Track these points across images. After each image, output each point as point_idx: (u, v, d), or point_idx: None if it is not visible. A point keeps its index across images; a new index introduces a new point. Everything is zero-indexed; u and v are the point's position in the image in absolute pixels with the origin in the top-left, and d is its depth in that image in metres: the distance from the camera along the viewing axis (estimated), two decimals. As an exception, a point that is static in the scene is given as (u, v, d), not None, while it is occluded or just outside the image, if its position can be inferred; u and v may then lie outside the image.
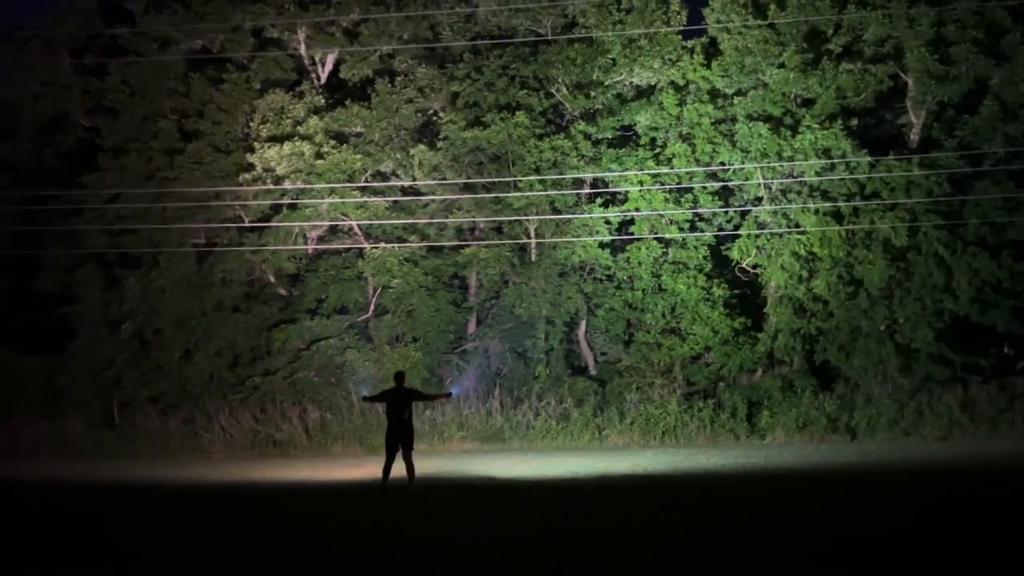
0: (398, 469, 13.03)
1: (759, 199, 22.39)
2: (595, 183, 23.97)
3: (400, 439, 12.88)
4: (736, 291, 22.99)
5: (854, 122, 22.16)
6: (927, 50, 21.77)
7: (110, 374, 24.57)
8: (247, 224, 24.88)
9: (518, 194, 23.30)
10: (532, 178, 23.14)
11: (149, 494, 14.21)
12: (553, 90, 24.41)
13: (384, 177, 25.33)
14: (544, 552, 7.96)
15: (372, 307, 24.98)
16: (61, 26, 27.45)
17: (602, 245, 23.40)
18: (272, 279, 25.21)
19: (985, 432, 19.46)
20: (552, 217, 23.40)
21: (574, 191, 23.83)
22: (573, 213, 23.51)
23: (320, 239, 25.43)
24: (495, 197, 23.58)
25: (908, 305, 21.23)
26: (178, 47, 26.26)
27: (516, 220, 23.55)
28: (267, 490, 14.01)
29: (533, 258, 24.06)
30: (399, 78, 25.14)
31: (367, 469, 15.91)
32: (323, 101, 25.38)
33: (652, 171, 22.96)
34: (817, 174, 21.70)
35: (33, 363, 25.08)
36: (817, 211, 21.62)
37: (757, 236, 22.27)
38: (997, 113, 21.77)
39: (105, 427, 23.86)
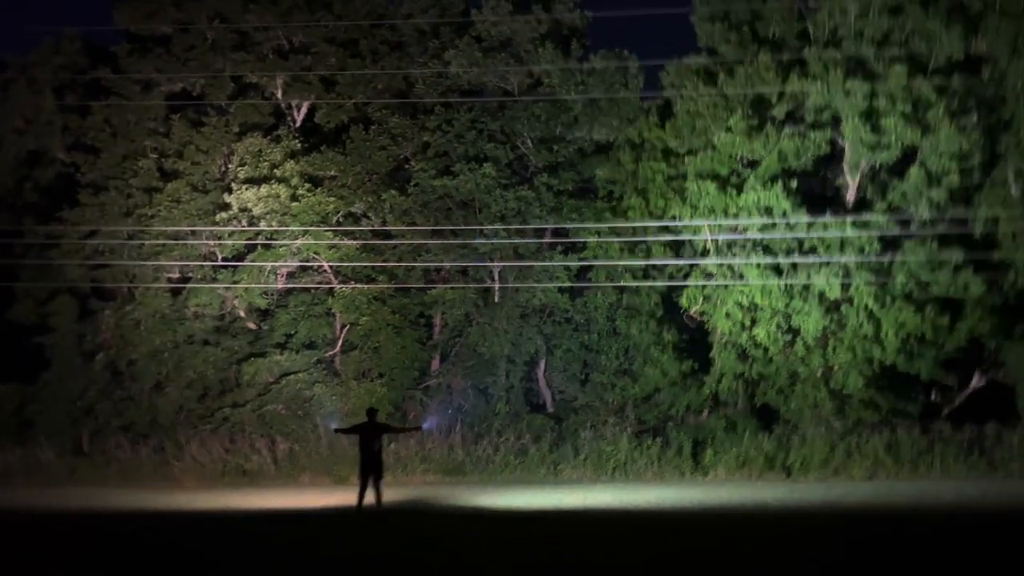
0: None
1: (706, 251, 24.09)
2: (556, 232, 25.52)
3: (372, 469, 14.02)
4: (684, 336, 24.55)
5: (794, 183, 23.99)
6: (860, 120, 23.76)
7: (83, 403, 25.29)
8: (220, 263, 25.89)
9: (484, 241, 24.73)
10: (497, 227, 24.60)
11: (130, 520, 15.05)
12: (519, 143, 26.01)
13: (355, 218, 26.58)
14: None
15: (340, 343, 26.07)
16: (45, 64, 28.45)
17: (561, 290, 24.86)
18: (242, 314, 26.19)
19: (907, 472, 21.12)
20: (515, 264, 24.85)
21: (536, 239, 25.34)
22: (535, 259, 24.99)
23: (291, 275, 26.48)
24: (462, 243, 24.97)
25: (841, 353, 22.92)
26: (159, 89, 27.38)
27: (482, 265, 24.95)
28: (256, 517, 14.91)
29: (496, 300, 25.42)
30: (373, 126, 26.52)
31: (337, 497, 16.97)
32: (299, 145, 26.63)
33: (609, 223, 24.57)
34: (759, 230, 23.45)
35: (5, 391, 25.68)
36: (759, 264, 23.33)
37: (704, 286, 23.90)
38: (923, 179, 23.74)
39: (77, 455, 24.53)
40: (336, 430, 17.31)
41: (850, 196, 24.91)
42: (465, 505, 15.87)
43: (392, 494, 16.18)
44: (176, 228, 25.37)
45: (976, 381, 24.75)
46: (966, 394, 24.75)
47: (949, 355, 23.48)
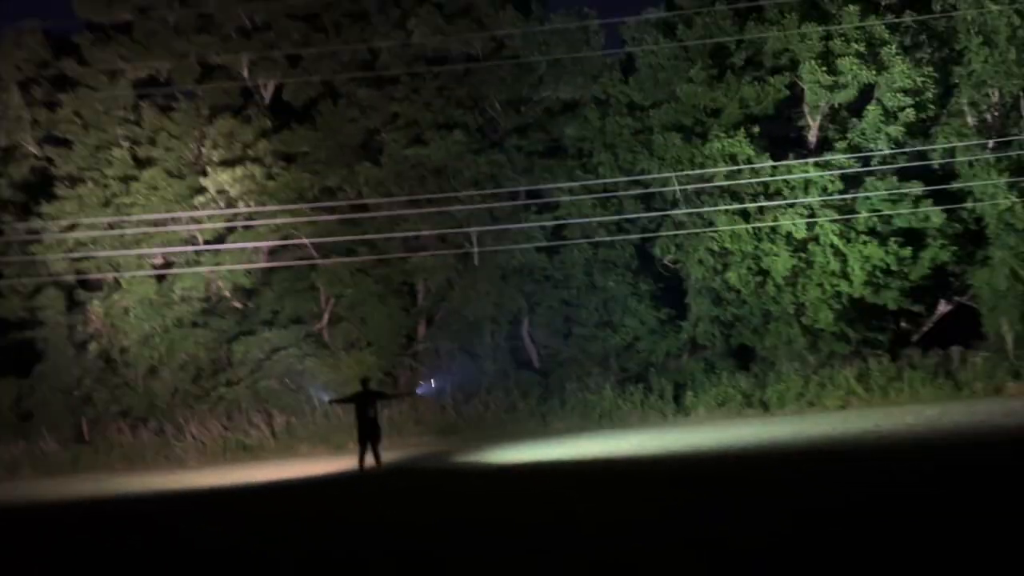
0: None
1: (676, 202, 24.78)
2: (529, 193, 26.10)
3: (369, 435, 14.77)
4: (660, 285, 25.34)
5: (756, 129, 24.63)
6: (817, 62, 24.36)
7: (79, 393, 25.82)
8: (202, 246, 26.30)
9: (459, 207, 25.28)
10: (472, 192, 25.15)
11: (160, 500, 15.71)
12: (487, 107, 26.43)
13: (331, 192, 26.97)
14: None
15: (326, 316, 26.68)
16: (7, 58, 28.40)
17: (539, 249, 25.53)
18: (227, 294, 26.68)
19: (878, 399, 22.16)
20: (491, 228, 25.45)
21: (510, 202, 25.92)
22: (511, 221, 25.60)
23: (272, 253, 26.93)
24: (438, 211, 25.51)
25: (810, 290, 23.80)
26: (126, 77, 27.43)
27: (459, 231, 25.54)
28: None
29: (476, 263, 26.06)
30: (341, 100, 26.82)
31: (339, 464, 17.76)
32: (270, 124, 26.91)
33: (580, 180, 25.17)
34: (726, 178, 24.15)
35: (2, 385, 26.13)
36: (727, 210, 24.07)
37: (676, 235, 24.64)
38: (880, 116, 24.45)
39: (78, 443, 25.14)
40: (331, 401, 18.01)
41: (812, 137, 25.61)
42: (460, 462, 16.71)
43: (389, 456, 16.99)
44: (155, 216, 25.69)
45: (943, 307, 25.75)
46: (934, 320, 25.77)
47: (915, 284, 24.40)
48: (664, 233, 24.86)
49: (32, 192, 27.79)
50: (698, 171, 24.18)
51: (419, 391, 22.57)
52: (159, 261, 26.73)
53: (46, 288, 26.79)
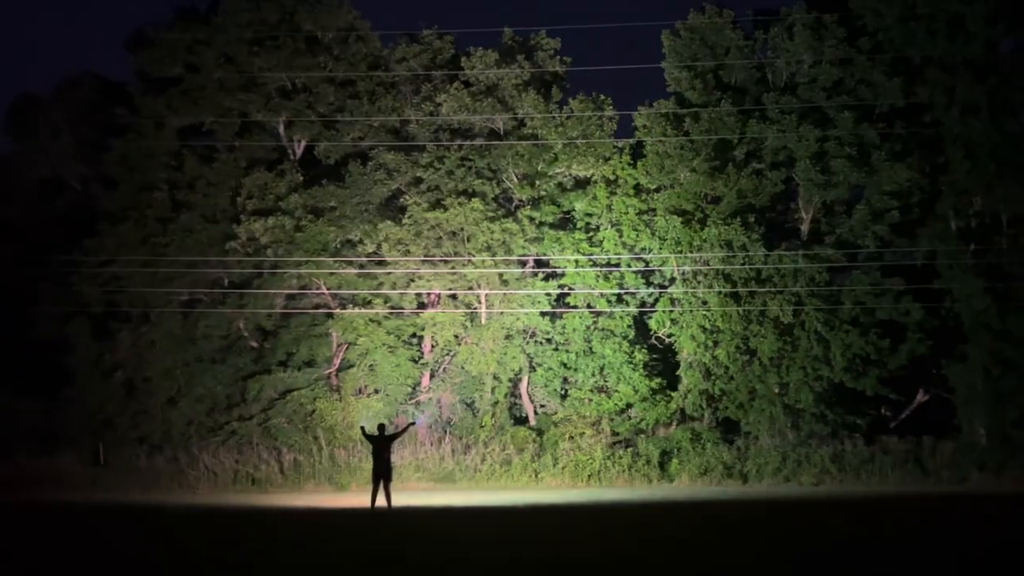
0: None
1: (673, 280, 26.57)
2: (538, 261, 27.92)
3: (382, 474, 16.44)
4: (654, 356, 26.98)
5: (752, 218, 26.50)
6: (812, 161, 26.36)
7: (101, 416, 27.34)
8: (227, 288, 28.01)
9: (472, 270, 27.08)
10: (484, 256, 26.99)
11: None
12: (504, 179, 28.40)
13: (352, 244, 28.72)
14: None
15: (337, 361, 28.23)
16: (63, 101, 30.61)
17: (542, 313, 27.25)
18: (246, 334, 28.27)
19: (850, 480, 23.58)
20: (500, 291, 27.21)
21: (519, 268, 27.72)
22: (518, 286, 27.36)
23: (291, 298, 28.57)
24: (452, 271, 27.27)
25: (793, 372, 25.41)
26: (171, 126, 29.41)
27: (470, 292, 27.29)
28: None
29: (483, 322, 27.73)
30: (370, 161, 28.76)
31: (342, 501, 19.19)
32: (301, 178, 28.83)
33: (586, 252, 27.02)
34: (721, 262, 25.98)
35: (30, 404, 27.68)
36: (720, 292, 25.84)
37: (671, 311, 26.37)
38: (868, 216, 26.34)
39: (96, 464, 26.59)
40: (361, 428, 19.69)
41: (804, 229, 27.49)
42: (457, 506, 18.18)
43: (379, 500, 18.38)
44: (189, 258, 27.40)
45: (920, 396, 27.29)
46: (911, 409, 27.26)
47: (893, 373, 26.00)
48: (660, 308, 26.59)
49: (73, 227, 29.64)
50: (695, 254, 26.00)
51: (417, 422, 24.16)
52: (185, 298, 28.40)
53: (79, 316, 28.47)
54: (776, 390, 25.73)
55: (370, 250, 28.17)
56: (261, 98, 29.23)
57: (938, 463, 23.94)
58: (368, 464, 24.69)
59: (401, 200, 28.68)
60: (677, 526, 13.67)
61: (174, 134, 29.32)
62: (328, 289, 28.00)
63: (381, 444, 16.55)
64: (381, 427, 17.57)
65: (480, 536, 12.74)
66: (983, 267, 25.91)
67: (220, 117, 29.09)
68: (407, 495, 20.73)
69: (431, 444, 26.03)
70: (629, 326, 26.90)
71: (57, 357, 28.32)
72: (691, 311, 26.00)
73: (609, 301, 26.91)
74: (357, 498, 20.57)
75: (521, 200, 28.51)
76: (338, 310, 27.77)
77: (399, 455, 24.90)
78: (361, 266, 28.02)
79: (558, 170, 28.17)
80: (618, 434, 26.52)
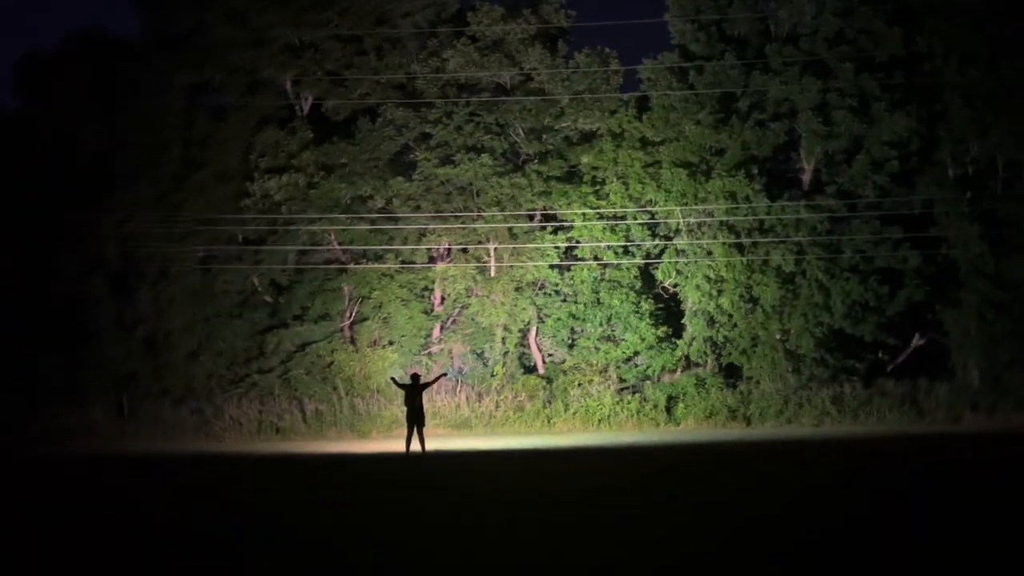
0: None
1: (678, 231, 27.30)
2: (545, 215, 28.59)
3: (415, 421, 17.52)
4: (660, 305, 27.84)
5: (756, 169, 27.13)
6: (814, 112, 26.90)
7: (124, 371, 28.21)
8: (243, 244, 28.64)
9: (482, 225, 27.76)
10: (494, 211, 27.64)
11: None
12: (511, 133, 28.90)
13: (363, 200, 29.29)
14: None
15: (352, 315, 29.03)
16: (72, 58, 30.78)
17: (551, 266, 28.02)
18: (260, 289, 28.98)
19: (849, 421, 24.66)
20: (509, 246, 27.91)
21: (528, 222, 28.41)
22: (527, 239, 28.07)
23: (303, 254, 29.22)
24: (462, 226, 27.96)
25: (795, 319, 26.32)
26: (180, 85, 29.64)
27: (480, 246, 27.99)
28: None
29: (493, 275, 28.50)
30: (378, 118, 29.19)
31: (373, 447, 20.32)
32: (311, 136, 29.26)
33: (593, 206, 27.69)
34: (725, 213, 26.68)
35: (53, 359, 28.46)
36: (724, 242, 26.60)
37: (677, 261, 27.17)
38: (868, 166, 26.99)
39: (123, 417, 27.55)
40: (392, 379, 20.67)
41: (805, 179, 28.14)
42: (480, 449, 19.26)
43: (413, 444, 19.41)
44: (204, 215, 28.03)
45: (916, 341, 28.26)
46: (908, 353, 28.25)
47: (891, 319, 26.92)
48: (666, 259, 27.37)
49: (87, 186, 30.08)
50: (700, 205, 26.69)
51: (448, 373, 25.25)
52: (201, 253, 29.02)
53: (96, 274, 29.10)
54: (778, 336, 26.64)
55: (380, 206, 28.74)
56: (269, 55, 29.47)
57: (933, 404, 24.99)
58: (388, 411, 25.92)
59: (411, 156, 29.18)
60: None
61: (184, 92, 29.64)
62: (340, 245, 28.67)
63: (413, 392, 17.50)
64: (415, 376, 18.55)
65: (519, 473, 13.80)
66: (978, 214, 26.69)
67: (229, 75, 29.37)
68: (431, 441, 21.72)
69: (445, 393, 26.98)
70: (636, 277, 27.68)
71: (78, 314, 29.03)
72: (696, 261, 26.78)
73: (616, 253, 27.65)
74: (383, 444, 21.58)
75: (528, 154, 29.03)
76: (352, 265, 28.49)
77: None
78: (372, 222, 28.65)
79: (564, 124, 28.65)
80: (625, 381, 27.50)
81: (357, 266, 28.41)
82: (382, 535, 8.32)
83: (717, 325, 26.85)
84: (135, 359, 28.26)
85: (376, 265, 28.39)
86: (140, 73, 29.53)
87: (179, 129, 29.34)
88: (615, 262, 27.56)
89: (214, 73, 29.41)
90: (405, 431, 17.97)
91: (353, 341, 28.60)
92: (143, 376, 28.01)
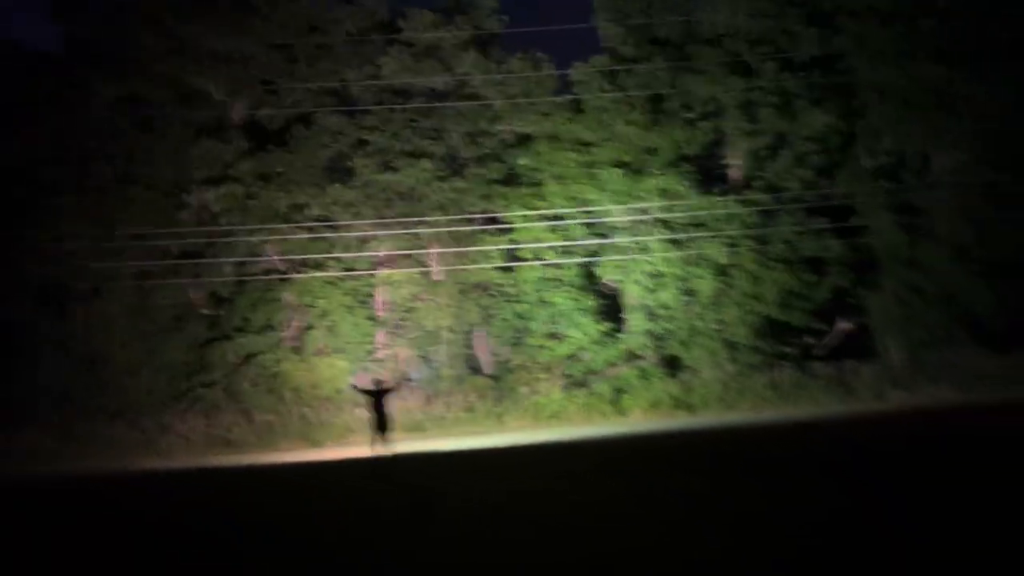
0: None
1: (616, 229, 28.10)
2: (487, 218, 29.00)
3: (380, 425, 17.72)
4: (602, 302, 28.60)
5: (687, 167, 28.13)
6: (739, 111, 28.05)
7: (61, 390, 27.41)
8: (179, 259, 28.15)
9: (424, 230, 28.01)
10: (437, 216, 27.92)
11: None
12: (449, 137, 29.20)
13: (300, 208, 29.14)
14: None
15: (296, 324, 28.88)
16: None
17: (495, 268, 28.45)
18: (199, 302, 28.56)
19: (785, 405, 25.86)
20: (452, 250, 28.24)
21: (470, 225, 28.77)
22: (470, 243, 28.43)
23: (242, 264, 28.91)
24: (405, 232, 28.14)
25: (730, 309, 27.43)
26: (102, 96, 28.89)
27: (423, 252, 28.23)
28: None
29: (437, 278, 28.75)
30: (313, 126, 29.09)
31: (331, 454, 20.36)
32: (246, 145, 28.96)
33: (533, 207, 28.24)
34: (660, 210, 27.60)
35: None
36: (660, 238, 27.51)
37: (616, 259, 27.96)
38: (792, 160, 28.29)
39: (62, 437, 26.76)
40: (353, 385, 20.72)
41: (735, 175, 29.29)
42: (437, 451, 19.60)
43: (367, 450, 19.64)
44: (139, 231, 27.46)
45: (842, 325, 29.71)
46: (835, 337, 29.69)
47: (819, 305, 28.25)
48: (606, 257, 28.14)
49: (10, 203, 29.08)
50: (637, 204, 27.54)
51: (412, 376, 25.51)
52: (136, 271, 28.41)
53: (25, 293, 28.20)
54: (714, 326, 27.69)
55: (318, 213, 28.65)
56: (195, 64, 29.04)
57: (860, 384, 26.40)
58: (339, 419, 25.94)
59: (349, 163, 29.17)
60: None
61: (110, 104, 28.95)
62: (280, 255, 28.47)
63: (380, 398, 17.71)
64: (378, 382, 18.78)
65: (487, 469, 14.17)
66: (894, 203, 28.26)
67: (155, 85, 28.80)
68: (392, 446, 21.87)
69: (398, 397, 27.05)
70: (577, 275, 28.35)
71: (8, 334, 28.09)
72: (634, 258, 27.60)
73: (557, 252, 28.27)
74: (343, 452, 21.67)
75: (466, 159, 29.38)
76: (293, 274, 28.35)
77: (367, 410, 25.88)
78: (311, 230, 28.55)
79: (501, 128, 29.13)
80: (571, 376, 28.13)
81: (298, 275, 28.29)
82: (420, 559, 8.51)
83: (657, 318, 27.74)
84: (71, 378, 27.53)
85: (318, 273, 28.32)
86: (62, 86, 28.74)
87: (105, 141, 28.67)
88: (557, 261, 28.18)
89: (139, 84, 28.83)
90: (362, 438, 18.13)
91: (299, 350, 28.48)
92: (81, 394, 27.32)
